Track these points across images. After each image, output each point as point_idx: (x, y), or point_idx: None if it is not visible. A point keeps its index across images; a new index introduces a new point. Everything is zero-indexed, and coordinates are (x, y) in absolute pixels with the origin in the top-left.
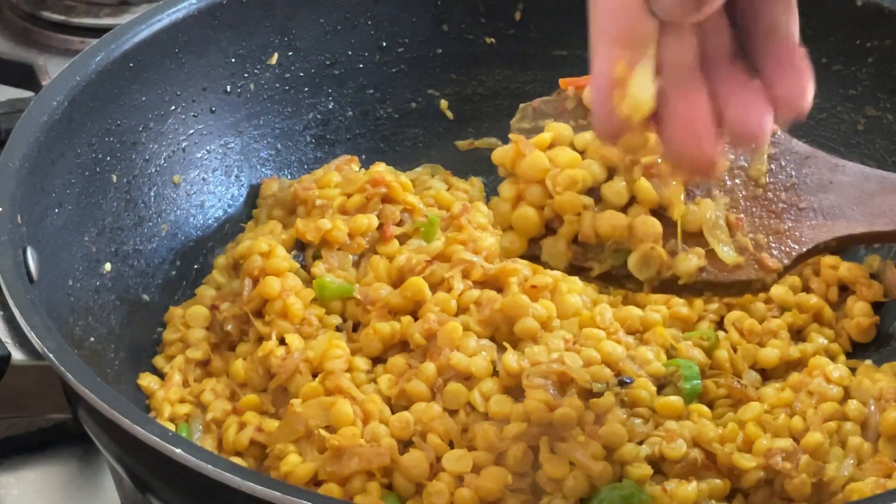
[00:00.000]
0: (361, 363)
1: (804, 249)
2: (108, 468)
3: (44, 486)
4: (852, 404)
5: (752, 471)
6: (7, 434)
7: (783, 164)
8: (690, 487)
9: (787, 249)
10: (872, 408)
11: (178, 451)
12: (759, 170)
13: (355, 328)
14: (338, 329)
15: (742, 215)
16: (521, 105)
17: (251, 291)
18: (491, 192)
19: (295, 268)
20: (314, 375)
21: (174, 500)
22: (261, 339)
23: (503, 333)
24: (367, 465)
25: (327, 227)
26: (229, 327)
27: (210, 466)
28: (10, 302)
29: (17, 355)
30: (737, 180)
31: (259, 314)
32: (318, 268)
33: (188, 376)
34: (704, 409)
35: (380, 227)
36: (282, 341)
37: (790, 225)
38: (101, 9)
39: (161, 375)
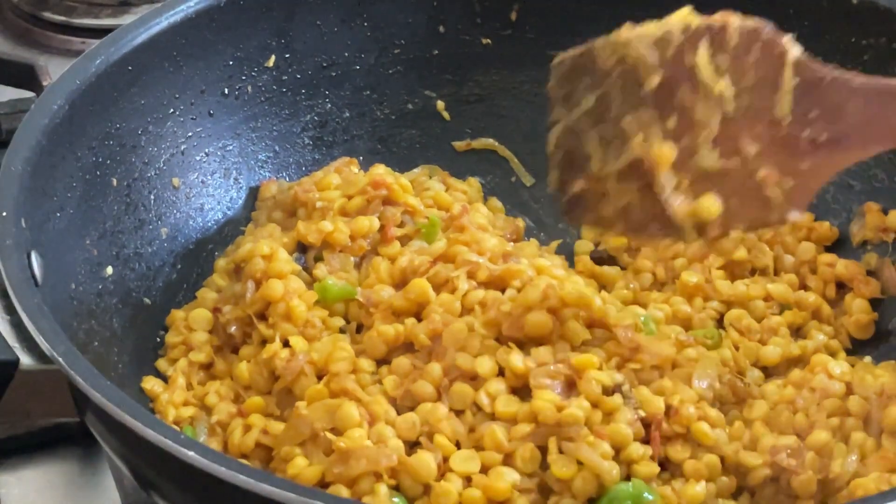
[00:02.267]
0: (366, 364)
1: (823, 181)
2: (109, 468)
3: (44, 486)
4: (854, 400)
5: (758, 469)
6: (8, 434)
7: (802, 98)
8: (699, 487)
9: (809, 188)
10: (874, 403)
11: (191, 453)
12: (783, 110)
13: (359, 330)
14: (341, 331)
15: (771, 166)
16: (554, 64)
17: (254, 294)
18: (489, 192)
19: (297, 270)
20: (319, 377)
21: (183, 501)
22: (264, 341)
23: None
24: (374, 467)
25: (329, 229)
26: (233, 329)
27: (223, 469)
28: (18, 306)
29: (25, 360)
30: (762, 125)
31: (262, 317)
32: (320, 270)
33: (192, 379)
34: None
35: (381, 228)
36: (286, 343)
37: (811, 162)
38: (102, 9)
39: (164, 378)
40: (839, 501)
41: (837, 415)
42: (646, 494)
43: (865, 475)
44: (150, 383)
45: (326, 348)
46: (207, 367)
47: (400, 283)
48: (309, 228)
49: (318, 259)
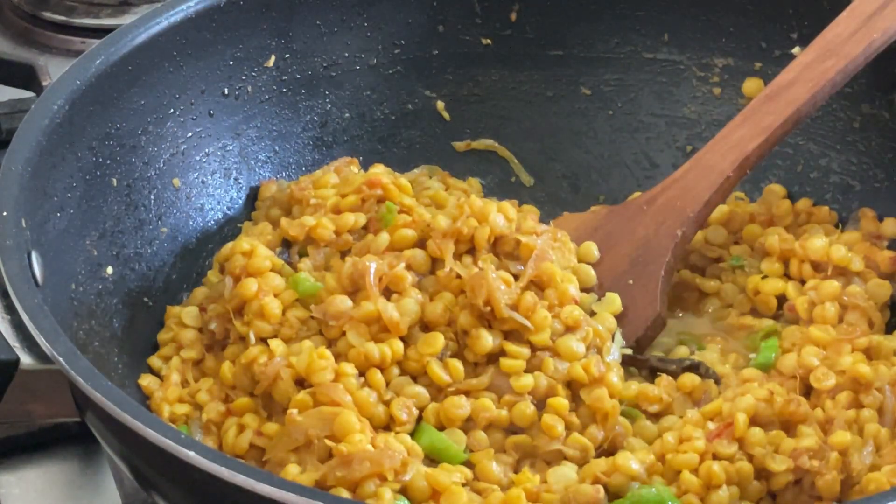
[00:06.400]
0: (349, 368)
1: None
2: (109, 467)
3: (45, 486)
4: (868, 392)
5: (782, 474)
6: (8, 434)
7: None
8: (722, 492)
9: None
10: (888, 393)
11: (191, 453)
12: None
13: None
14: (321, 333)
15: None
16: None
17: (231, 291)
18: (488, 192)
19: (279, 266)
20: (297, 381)
21: (183, 501)
22: (242, 338)
23: None
24: (378, 469)
25: (311, 223)
26: (212, 326)
27: (224, 469)
28: (18, 306)
29: (25, 360)
30: None
31: (241, 314)
32: (304, 265)
33: (186, 376)
34: None
35: (366, 226)
36: (264, 341)
37: None
38: (102, 9)
39: (159, 375)
40: (852, 497)
41: (852, 407)
42: (670, 499)
43: (880, 467)
44: (147, 380)
45: (306, 357)
46: (201, 363)
47: (351, 291)
48: (291, 223)
49: (304, 255)
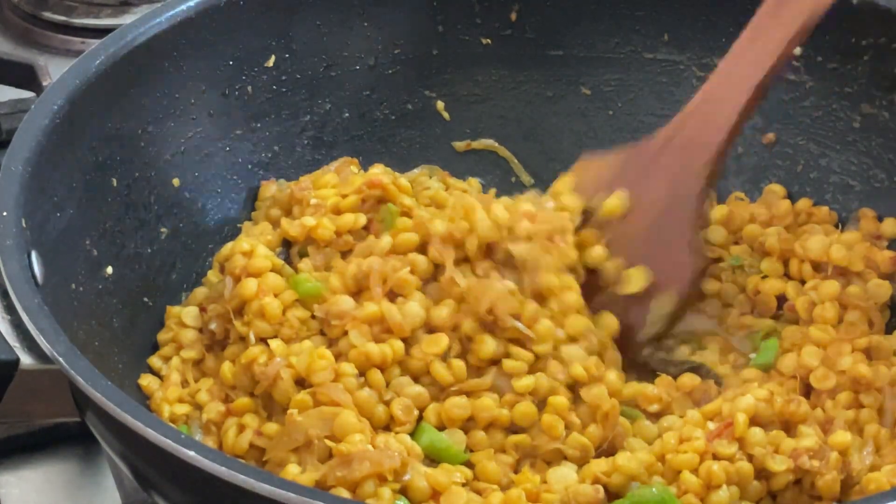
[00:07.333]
0: (348, 368)
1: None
2: (109, 468)
3: (45, 486)
4: (868, 392)
5: (782, 473)
6: (8, 434)
7: None
8: (722, 493)
9: None
10: (888, 393)
11: (191, 453)
12: None
13: None
14: (322, 332)
15: None
16: None
17: (232, 291)
18: (488, 192)
19: (279, 266)
20: (297, 382)
21: (183, 501)
22: (242, 339)
23: None
24: (378, 469)
25: (311, 223)
26: (212, 326)
27: (224, 469)
28: (18, 306)
29: (25, 360)
30: None
31: (241, 314)
32: (304, 265)
33: (186, 376)
34: None
35: (366, 227)
36: (263, 341)
37: None
38: (102, 9)
39: (159, 375)
40: (852, 497)
41: (852, 407)
42: (670, 499)
43: (881, 467)
44: (147, 380)
45: (306, 357)
46: (201, 363)
47: (355, 292)
48: (291, 223)
49: (304, 255)
